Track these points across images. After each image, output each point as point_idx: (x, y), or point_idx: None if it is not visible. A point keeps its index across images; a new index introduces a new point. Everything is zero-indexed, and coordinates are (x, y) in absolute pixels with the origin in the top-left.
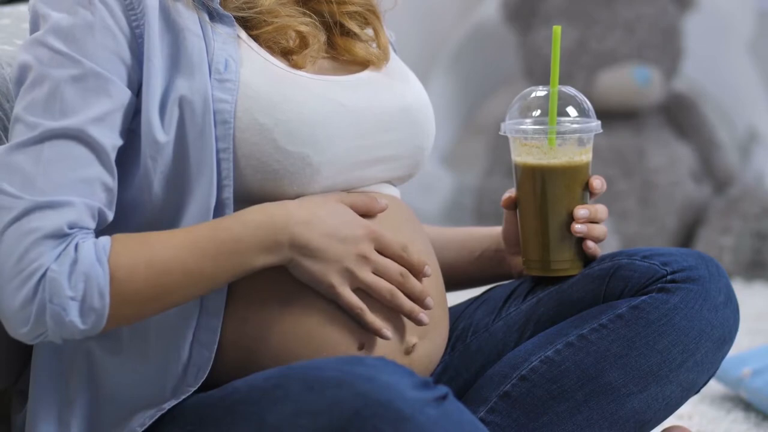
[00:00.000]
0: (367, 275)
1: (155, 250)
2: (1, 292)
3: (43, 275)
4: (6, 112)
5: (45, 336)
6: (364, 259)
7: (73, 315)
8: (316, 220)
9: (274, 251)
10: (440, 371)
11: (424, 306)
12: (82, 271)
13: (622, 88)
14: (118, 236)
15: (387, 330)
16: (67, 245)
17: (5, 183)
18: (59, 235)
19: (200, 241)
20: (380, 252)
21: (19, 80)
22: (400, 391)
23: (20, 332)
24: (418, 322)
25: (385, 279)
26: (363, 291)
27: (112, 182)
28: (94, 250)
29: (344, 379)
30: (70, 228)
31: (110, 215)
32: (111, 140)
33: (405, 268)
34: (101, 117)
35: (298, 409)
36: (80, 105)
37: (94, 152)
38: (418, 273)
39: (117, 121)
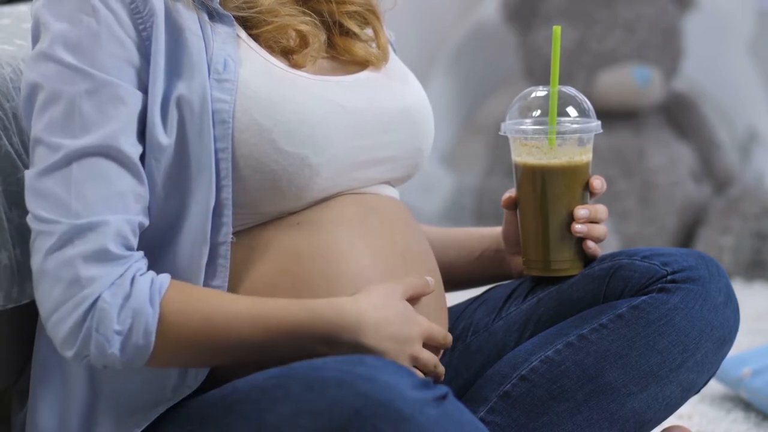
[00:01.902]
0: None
1: (215, 309)
2: (50, 317)
3: (94, 303)
4: (5, 111)
5: (88, 360)
6: (413, 358)
7: (116, 348)
8: (383, 323)
9: (334, 346)
10: None
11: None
12: (132, 306)
13: (622, 88)
14: (178, 282)
15: None
16: (122, 274)
17: (40, 209)
18: (107, 257)
19: (264, 315)
20: (425, 342)
21: (30, 98)
22: (400, 391)
23: (66, 354)
24: None
25: (421, 370)
26: None
27: (144, 190)
28: (149, 289)
29: (344, 379)
30: (117, 248)
31: (146, 221)
32: (135, 148)
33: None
34: (123, 127)
35: (298, 409)
36: (99, 119)
37: (122, 164)
38: (447, 346)
39: (136, 127)
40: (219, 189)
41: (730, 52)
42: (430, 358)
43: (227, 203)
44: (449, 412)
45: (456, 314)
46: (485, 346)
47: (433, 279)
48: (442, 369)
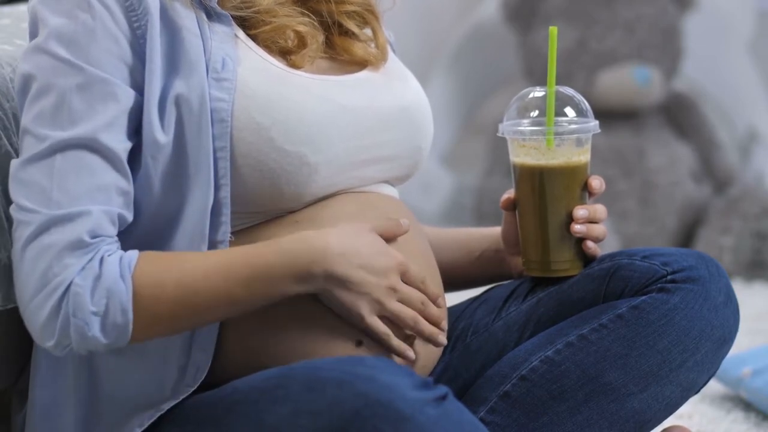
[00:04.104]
0: (394, 305)
1: (185, 271)
2: (28, 306)
3: (67, 289)
4: (5, 111)
5: (71, 348)
6: (391, 290)
7: (95, 330)
8: (352, 252)
9: (307, 281)
10: (440, 371)
11: (441, 329)
12: (105, 286)
13: (622, 88)
14: (146, 254)
15: (410, 351)
16: (92, 258)
17: (22, 198)
18: (80, 246)
19: (233, 265)
20: (403, 281)
21: (23, 90)
22: (400, 391)
23: (47, 345)
24: (438, 344)
25: (408, 307)
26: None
27: (128, 185)
28: (118, 266)
29: (344, 379)
30: (91, 237)
31: (129, 216)
32: (122, 144)
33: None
34: (110, 123)
35: (298, 409)
36: (88, 113)
37: (107, 159)
38: (433, 302)
39: (125, 124)
40: (217, 188)
41: (730, 52)
42: (411, 291)
43: (225, 202)
44: (449, 412)
45: (456, 314)
46: (485, 346)
47: (429, 270)
48: (433, 309)
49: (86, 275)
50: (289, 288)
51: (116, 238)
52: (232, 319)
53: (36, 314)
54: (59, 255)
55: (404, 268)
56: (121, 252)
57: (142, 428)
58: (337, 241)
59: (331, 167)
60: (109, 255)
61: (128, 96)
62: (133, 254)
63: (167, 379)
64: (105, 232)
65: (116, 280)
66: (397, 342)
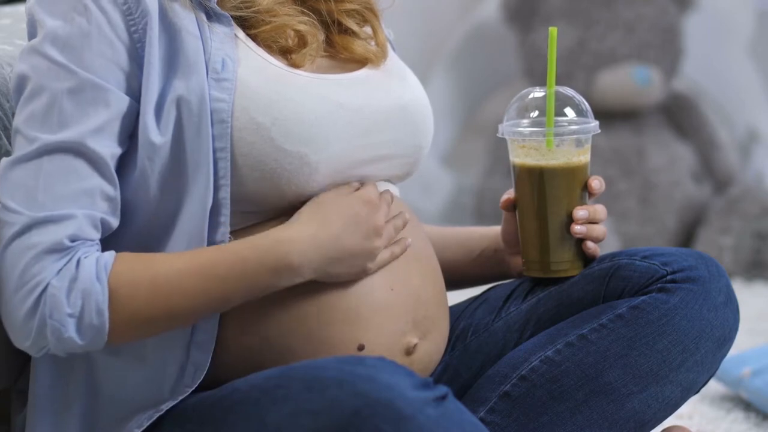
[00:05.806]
0: (384, 238)
1: (160, 271)
2: (6, 306)
3: (44, 290)
4: (6, 111)
5: (48, 349)
6: (378, 228)
7: (71, 331)
8: (324, 226)
9: (285, 273)
10: (440, 371)
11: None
12: (80, 288)
13: (622, 88)
14: (123, 255)
15: (408, 239)
16: (69, 260)
17: (8, 198)
18: (60, 249)
19: (207, 264)
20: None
21: (18, 90)
22: (400, 391)
23: (24, 345)
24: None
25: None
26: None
27: (114, 191)
28: (94, 268)
29: (344, 379)
30: (72, 240)
31: (114, 222)
32: (110, 150)
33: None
34: (100, 128)
35: (298, 409)
36: (78, 117)
37: (93, 164)
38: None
39: (116, 129)
40: (217, 188)
41: (730, 52)
42: (380, 211)
43: (225, 203)
44: (449, 412)
45: (456, 314)
46: (485, 346)
47: (431, 271)
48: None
49: (63, 277)
50: (269, 281)
51: (98, 243)
52: (232, 319)
53: (13, 314)
54: (38, 257)
55: (367, 198)
56: (97, 254)
57: (141, 429)
58: (304, 226)
59: (331, 166)
60: (85, 257)
61: (121, 101)
62: (110, 255)
63: (166, 379)
64: (86, 236)
65: (92, 281)
66: (398, 248)
